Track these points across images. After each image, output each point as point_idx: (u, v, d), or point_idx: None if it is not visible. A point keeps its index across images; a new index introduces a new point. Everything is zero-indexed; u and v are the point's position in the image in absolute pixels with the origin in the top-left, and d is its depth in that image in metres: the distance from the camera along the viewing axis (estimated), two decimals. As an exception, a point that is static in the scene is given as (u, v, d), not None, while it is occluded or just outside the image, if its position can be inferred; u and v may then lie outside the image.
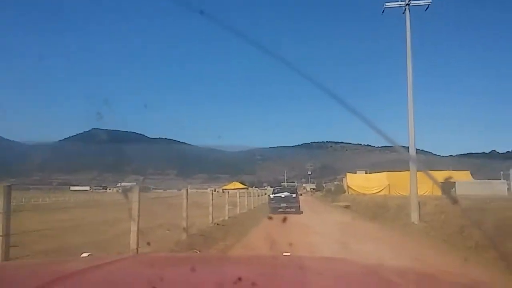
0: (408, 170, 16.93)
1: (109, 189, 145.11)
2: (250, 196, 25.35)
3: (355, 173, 49.42)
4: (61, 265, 1.91)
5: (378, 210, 19.13)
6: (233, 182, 75.87)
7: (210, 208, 12.89)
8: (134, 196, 6.93)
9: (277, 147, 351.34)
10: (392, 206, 18.18)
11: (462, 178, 34.27)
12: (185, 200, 9.77)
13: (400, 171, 39.05)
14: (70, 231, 10.34)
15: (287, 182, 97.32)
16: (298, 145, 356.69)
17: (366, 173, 49.71)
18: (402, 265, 1.95)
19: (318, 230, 12.69)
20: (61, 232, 10.01)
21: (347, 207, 26.85)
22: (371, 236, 11.25)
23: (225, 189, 33.39)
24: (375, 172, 46.13)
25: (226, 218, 14.42)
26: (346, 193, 38.59)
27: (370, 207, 21.44)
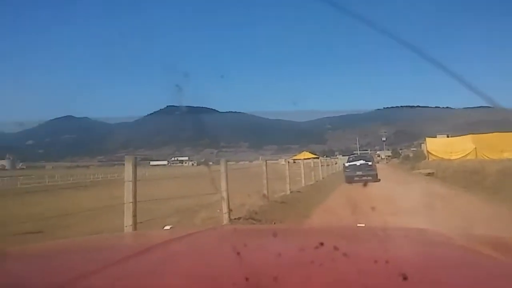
0: (497, 131, 15.50)
1: (185, 163, 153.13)
2: (323, 165, 25.51)
3: (435, 137, 45.19)
4: (146, 237, 2.02)
5: (472, 177, 15.87)
6: (303, 152, 75.55)
7: (287, 178, 13.41)
8: (222, 168, 7.61)
9: (348, 114, 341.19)
10: (490, 172, 14.73)
11: None
12: (264, 170, 10.32)
13: (487, 133, 35.72)
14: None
15: (360, 150, 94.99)
16: (370, 111, 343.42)
17: (447, 137, 45.79)
18: (490, 235, 1.82)
19: (405, 206, 8.78)
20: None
21: (430, 174, 24.01)
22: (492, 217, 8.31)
23: (296, 159, 33.53)
24: (458, 136, 41.69)
25: (303, 185, 14.92)
26: (427, 159, 35.60)
27: (460, 174, 18.23)
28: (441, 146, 36.98)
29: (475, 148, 31.85)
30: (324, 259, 1.05)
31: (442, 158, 32.41)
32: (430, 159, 34.48)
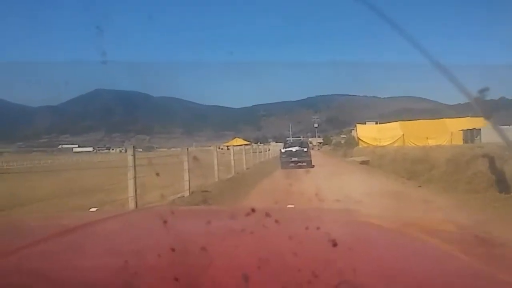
0: (423, 119, 15.65)
1: (112, 150, 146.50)
2: (255, 152, 24.63)
3: (365, 124, 45.99)
4: (70, 218, 1.96)
5: (415, 167, 13.63)
6: (235, 138, 74.91)
7: (216, 166, 12.30)
8: (129, 156, 6.46)
9: (281, 102, 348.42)
10: (438, 161, 12.38)
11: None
12: (186, 159, 9.12)
13: (414, 120, 36.71)
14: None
15: (292, 137, 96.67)
16: (303, 99, 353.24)
17: (376, 123, 46.56)
18: (408, 217, 2.05)
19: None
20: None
21: (365, 162, 22.22)
22: None
23: (227, 145, 32.49)
24: (386, 123, 42.58)
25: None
26: (357, 145, 35.24)
27: (400, 163, 15.98)
28: (370, 133, 37.03)
29: (403, 135, 32.35)
30: (255, 226, 1.04)
31: (370, 144, 32.49)
32: (360, 146, 34.36)
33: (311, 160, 21.04)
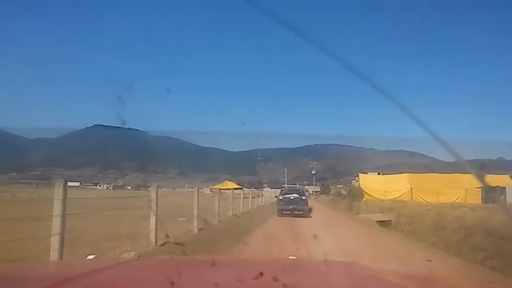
0: (432, 172, 14.34)
1: (99, 186, 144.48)
2: (246, 197, 23.07)
3: (366, 174, 42.33)
4: (68, 267, 1.89)
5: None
6: (226, 181, 72.37)
7: (195, 211, 10.74)
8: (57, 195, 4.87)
9: (279, 148, 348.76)
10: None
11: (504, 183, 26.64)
12: (154, 200, 7.59)
13: (421, 173, 33.77)
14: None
15: (287, 184, 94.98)
16: (301, 146, 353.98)
17: (378, 174, 43.65)
18: (410, 270, 1.89)
19: None
20: None
21: (385, 223, 16.30)
22: None
23: (215, 188, 30.56)
24: (389, 174, 39.61)
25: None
26: (363, 198, 30.94)
27: (450, 232, 10.32)
28: (375, 184, 33.72)
29: (411, 188, 29.39)
30: None
31: (374, 197, 29.37)
32: (364, 198, 30.72)
33: (308, 209, 20.54)
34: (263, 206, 27.60)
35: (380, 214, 18.92)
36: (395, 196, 27.69)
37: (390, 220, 16.55)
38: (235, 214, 16.27)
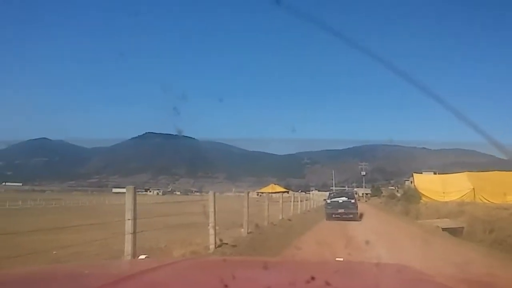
0: (496, 170, 12.97)
1: (150, 192, 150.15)
2: (295, 201, 22.85)
3: (421, 174, 39.00)
4: (120, 266, 1.94)
5: None
6: (271, 185, 72.32)
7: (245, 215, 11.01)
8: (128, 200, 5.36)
9: (326, 150, 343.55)
10: None
11: None
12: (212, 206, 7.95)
13: (483, 171, 30.46)
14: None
15: (335, 187, 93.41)
16: (348, 148, 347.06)
17: (434, 173, 40.17)
18: (467, 275, 1.77)
19: None
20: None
21: (456, 231, 13.37)
22: None
23: (262, 192, 30.57)
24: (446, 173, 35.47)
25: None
26: (421, 200, 28.24)
27: None
28: (431, 184, 30.96)
29: (473, 188, 26.57)
30: None
31: (431, 198, 27.20)
32: (422, 201, 28.27)
33: (358, 213, 20.29)
34: (308, 211, 26.37)
35: (447, 219, 16.04)
36: (455, 198, 25.54)
37: (462, 227, 13.70)
38: (283, 218, 16.30)
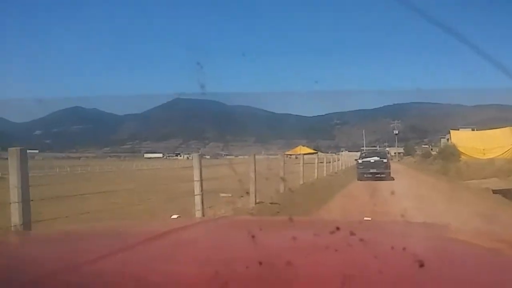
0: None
1: (180, 156, 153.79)
2: (322, 162, 22.31)
3: (458, 130, 36.76)
4: (153, 225, 2.01)
5: None
6: (299, 146, 72.48)
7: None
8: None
9: (356, 110, 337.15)
10: None
11: None
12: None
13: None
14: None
15: (367, 147, 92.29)
16: (379, 107, 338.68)
17: (472, 130, 37.88)
18: (495, 231, 1.76)
19: None
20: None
21: (510, 193, 11.27)
22: None
23: (291, 154, 30.60)
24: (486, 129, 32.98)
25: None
26: (460, 158, 25.89)
27: None
28: (470, 141, 28.81)
29: None
30: (340, 244, 1.05)
31: (473, 156, 25.48)
32: (462, 159, 26.05)
33: (390, 172, 20.19)
34: (336, 173, 24.97)
35: (496, 178, 14.12)
36: (496, 155, 24.10)
37: None
38: (304, 183, 15.84)
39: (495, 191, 11.87)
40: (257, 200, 8.63)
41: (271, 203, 8.47)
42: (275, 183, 11.03)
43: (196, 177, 6.05)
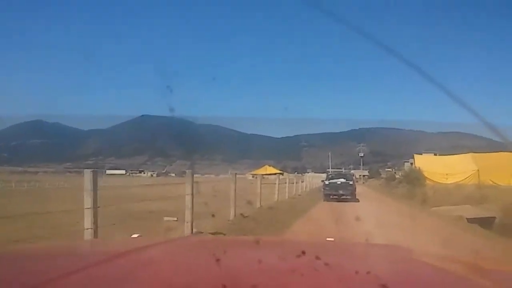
0: (501, 151, 11.96)
1: (144, 173, 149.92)
2: (285, 183, 21.72)
3: (421, 155, 37.87)
4: (111, 245, 1.89)
5: None
6: (265, 166, 71.59)
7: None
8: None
9: (323, 133, 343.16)
10: None
11: None
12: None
13: (489, 152, 29.36)
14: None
15: (332, 169, 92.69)
16: (346, 131, 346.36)
17: (435, 155, 39.29)
18: (455, 254, 1.79)
19: None
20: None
21: (485, 222, 10.30)
22: None
23: (255, 174, 29.54)
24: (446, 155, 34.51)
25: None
26: (426, 183, 25.83)
27: None
28: (433, 166, 29.35)
29: (478, 170, 25.39)
30: (305, 268, 1.04)
31: (435, 181, 25.86)
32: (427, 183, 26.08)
33: (355, 194, 20.71)
34: (299, 195, 23.83)
35: (468, 206, 13.09)
36: (459, 180, 24.71)
37: (494, 217, 10.27)
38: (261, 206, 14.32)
39: (470, 220, 10.83)
40: (195, 230, 7.03)
41: (213, 233, 6.86)
42: (227, 207, 9.71)
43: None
